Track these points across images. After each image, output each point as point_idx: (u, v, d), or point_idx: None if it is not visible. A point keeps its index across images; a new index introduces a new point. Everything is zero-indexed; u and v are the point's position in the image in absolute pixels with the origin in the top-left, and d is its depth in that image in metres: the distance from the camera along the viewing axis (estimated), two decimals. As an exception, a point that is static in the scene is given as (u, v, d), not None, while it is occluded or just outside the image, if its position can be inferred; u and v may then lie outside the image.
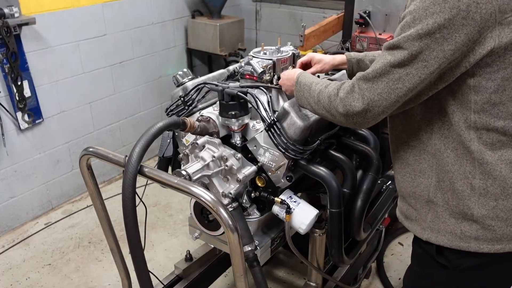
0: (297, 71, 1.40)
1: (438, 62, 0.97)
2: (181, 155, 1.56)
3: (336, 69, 1.64)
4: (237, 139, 1.50)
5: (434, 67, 0.97)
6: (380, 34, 2.64)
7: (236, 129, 1.48)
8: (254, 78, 1.54)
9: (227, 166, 1.44)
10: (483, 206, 1.09)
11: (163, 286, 2.00)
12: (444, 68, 0.99)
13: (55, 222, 3.05)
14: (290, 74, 1.42)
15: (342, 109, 1.12)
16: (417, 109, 1.13)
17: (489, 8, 0.92)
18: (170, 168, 1.75)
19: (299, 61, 1.61)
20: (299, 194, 1.55)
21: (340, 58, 1.55)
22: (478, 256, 1.13)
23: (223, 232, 1.45)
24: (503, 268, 1.19)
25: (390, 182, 1.91)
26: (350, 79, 1.60)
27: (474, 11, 0.91)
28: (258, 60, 1.58)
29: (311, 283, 1.85)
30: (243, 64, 1.59)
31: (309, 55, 1.59)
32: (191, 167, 1.42)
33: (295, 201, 1.49)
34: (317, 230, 1.65)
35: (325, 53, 2.02)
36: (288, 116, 1.39)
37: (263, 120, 1.41)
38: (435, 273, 1.23)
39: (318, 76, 1.65)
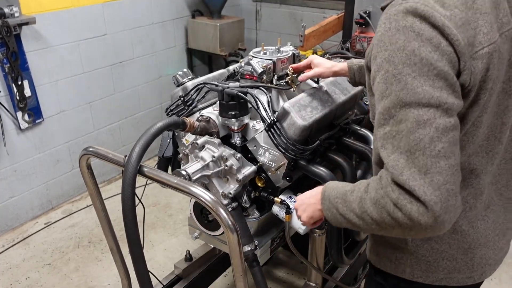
0: (320, 187, 1.08)
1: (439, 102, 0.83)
2: (181, 155, 1.56)
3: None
4: (237, 139, 1.50)
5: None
6: (380, 34, 2.64)
7: (236, 129, 1.48)
8: (254, 78, 1.54)
9: (227, 166, 1.44)
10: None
11: (162, 286, 2.00)
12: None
13: (55, 221, 3.05)
14: (312, 192, 1.15)
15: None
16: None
17: (453, 58, 0.82)
18: (170, 168, 1.75)
19: (296, 65, 1.55)
20: (299, 194, 1.55)
21: (341, 65, 1.49)
22: (413, 284, 1.09)
23: (223, 232, 1.45)
24: None
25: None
26: (354, 86, 1.56)
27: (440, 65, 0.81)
28: (258, 60, 1.58)
29: (311, 283, 1.85)
30: (243, 64, 1.59)
31: (309, 58, 1.55)
32: (191, 167, 1.42)
33: (294, 201, 1.48)
34: (317, 230, 1.65)
35: (325, 53, 2.01)
36: (288, 116, 1.39)
37: (263, 120, 1.41)
38: None
39: (318, 81, 1.64)
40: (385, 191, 0.84)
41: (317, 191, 1.09)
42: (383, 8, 0.94)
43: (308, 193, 1.17)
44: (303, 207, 1.18)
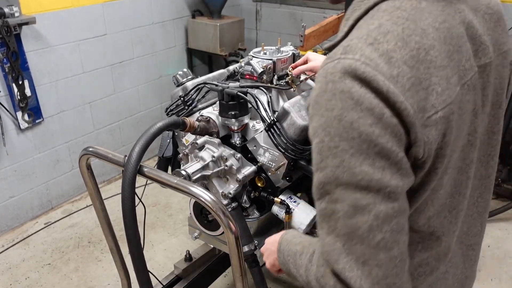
0: (279, 234, 1.02)
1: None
2: (180, 155, 1.56)
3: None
4: (236, 139, 1.50)
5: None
6: (380, 34, 2.63)
7: (235, 129, 1.48)
8: (254, 78, 1.54)
9: (226, 166, 1.44)
10: None
11: (162, 286, 2.00)
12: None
13: (55, 221, 3.05)
14: (276, 237, 1.05)
15: None
16: None
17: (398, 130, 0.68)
18: (170, 168, 1.75)
19: (294, 64, 1.57)
20: (298, 194, 1.55)
21: None
22: None
23: (223, 232, 1.45)
24: None
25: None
26: None
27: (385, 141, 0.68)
28: (258, 60, 1.58)
29: (310, 283, 1.85)
30: (243, 64, 1.59)
31: (305, 55, 1.57)
32: (191, 167, 1.42)
33: (294, 201, 1.49)
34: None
35: (325, 53, 2.02)
36: (288, 116, 1.39)
37: (263, 120, 1.41)
38: None
39: (314, 80, 1.64)
40: (325, 271, 0.75)
41: (278, 238, 1.00)
42: (328, 49, 0.80)
43: (272, 238, 1.08)
44: (267, 253, 1.10)
